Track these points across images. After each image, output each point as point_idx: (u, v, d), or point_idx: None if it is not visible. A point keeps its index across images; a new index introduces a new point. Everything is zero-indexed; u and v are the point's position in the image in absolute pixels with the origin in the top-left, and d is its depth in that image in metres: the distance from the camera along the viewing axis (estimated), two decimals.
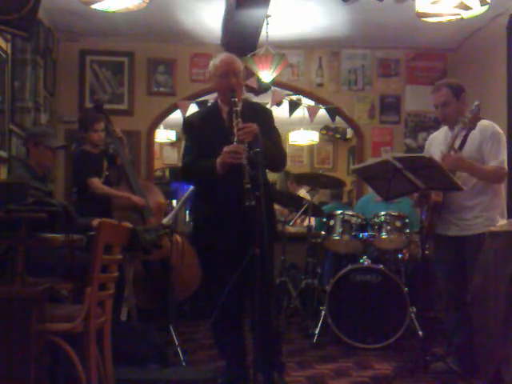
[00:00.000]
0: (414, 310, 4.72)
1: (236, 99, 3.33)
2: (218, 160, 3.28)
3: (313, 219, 5.64)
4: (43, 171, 4.17)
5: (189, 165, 3.51)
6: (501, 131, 3.77)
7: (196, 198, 3.71)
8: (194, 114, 3.80)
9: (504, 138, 3.76)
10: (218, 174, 3.30)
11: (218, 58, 3.49)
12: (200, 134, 3.48)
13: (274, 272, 3.66)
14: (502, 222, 3.67)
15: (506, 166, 3.70)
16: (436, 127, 4.23)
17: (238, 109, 3.30)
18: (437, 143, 3.93)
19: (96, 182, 4.75)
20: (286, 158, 3.65)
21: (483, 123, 3.64)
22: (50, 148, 4.09)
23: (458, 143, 3.62)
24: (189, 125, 3.60)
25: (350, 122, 7.10)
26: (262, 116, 3.55)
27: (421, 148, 4.24)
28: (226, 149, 3.24)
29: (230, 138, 3.25)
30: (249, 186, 3.03)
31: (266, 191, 3.34)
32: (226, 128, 3.36)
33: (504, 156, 3.69)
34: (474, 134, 3.60)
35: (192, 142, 3.55)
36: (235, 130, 3.23)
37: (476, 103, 3.53)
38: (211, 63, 3.51)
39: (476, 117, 3.51)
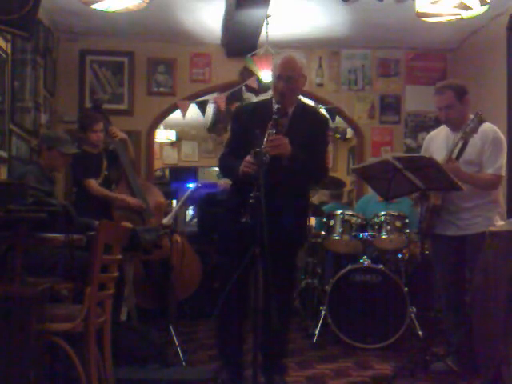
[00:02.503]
0: (414, 310, 4.73)
1: (279, 106, 3.25)
2: (241, 166, 3.24)
3: (313, 219, 5.64)
4: (52, 173, 4.21)
5: (223, 157, 3.52)
6: (502, 137, 3.76)
7: (208, 196, 3.71)
8: (246, 105, 3.76)
9: (504, 144, 3.76)
10: (239, 178, 3.27)
11: (279, 58, 3.42)
12: (246, 127, 3.38)
13: (290, 276, 3.62)
14: (500, 223, 3.68)
15: (502, 172, 3.72)
16: (436, 127, 4.22)
17: (276, 117, 3.22)
18: (437, 143, 3.92)
19: (92, 183, 4.75)
20: (325, 171, 3.56)
21: (485, 127, 3.62)
22: (62, 154, 4.12)
23: (459, 146, 3.61)
24: (238, 115, 3.59)
25: (349, 122, 7.10)
26: (312, 123, 3.47)
27: (421, 148, 4.24)
28: (247, 158, 3.20)
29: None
30: (252, 201, 2.94)
31: (301, 200, 3.37)
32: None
33: (502, 162, 3.70)
34: (475, 139, 3.60)
35: (236, 133, 3.53)
36: (264, 140, 3.16)
37: (478, 114, 3.51)
38: (275, 60, 3.46)
39: (476, 127, 3.50)
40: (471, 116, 3.74)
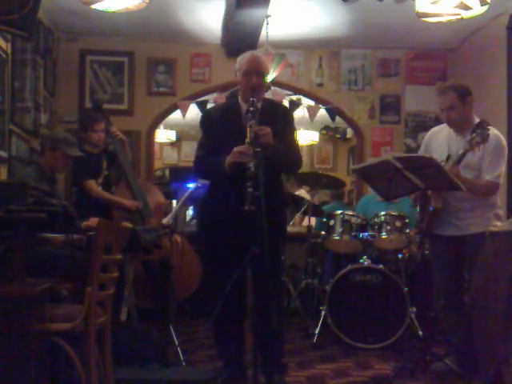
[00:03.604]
0: (414, 310, 4.72)
1: (254, 99, 3.33)
2: (228, 158, 3.29)
3: (313, 219, 5.64)
4: (52, 174, 4.17)
5: (201, 159, 3.53)
6: (504, 144, 3.75)
7: (203, 196, 3.72)
8: (213, 107, 3.82)
9: (505, 152, 3.76)
10: (226, 173, 3.31)
11: (246, 56, 3.50)
12: (217, 129, 3.48)
13: (281, 272, 3.68)
14: (498, 223, 3.68)
15: (499, 180, 3.71)
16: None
17: (253, 109, 3.29)
18: (438, 141, 3.90)
19: (92, 185, 4.75)
20: (300, 160, 3.65)
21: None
22: (65, 155, 4.09)
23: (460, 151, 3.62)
24: (207, 118, 3.62)
25: (350, 121, 7.10)
26: (281, 116, 3.57)
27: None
28: (235, 149, 3.25)
29: (244, 138, 3.25)
30: (251, 190, 3.03)
31: (278, 193, 3.36)
32: (244, 126, 3.35)
33: (501, 170, 3.71)
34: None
35: (207, 136, 3.56)
36: (248, 131, 3.23)
37: (484, 126, 3.50)
38: (238, 59, 3.53)
39: (485, 139, 3.50)
40: (476, 118, 3.73)
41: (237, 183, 3.20)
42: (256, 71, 3.42)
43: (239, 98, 3.56)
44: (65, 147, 4.05)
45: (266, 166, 3.15)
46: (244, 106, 3.46)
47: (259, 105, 3.44)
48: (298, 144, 3.67)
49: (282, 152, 3.36)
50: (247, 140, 3.22)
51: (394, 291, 4.72)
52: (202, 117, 3.64)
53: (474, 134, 3.52)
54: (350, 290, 4.80)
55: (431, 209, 3.70)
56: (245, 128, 3.30)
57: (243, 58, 3.48)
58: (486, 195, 3.73)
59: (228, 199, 3.36)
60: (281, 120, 3.50)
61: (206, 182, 3.80)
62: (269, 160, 3.25)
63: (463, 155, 3.56)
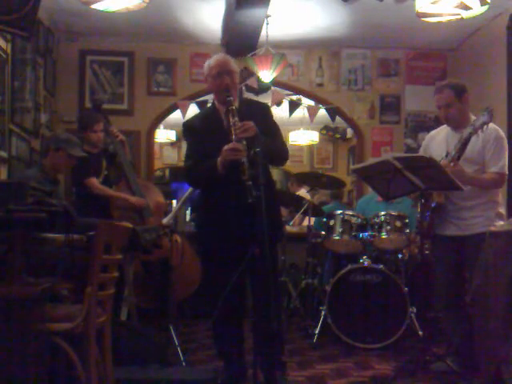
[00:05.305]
0: (414, 310, 4.73)
1: (231, 98, 3.37)
2: (219, 159, 3.30)
3: (313, 219, 5.64)
4: (55, 174, 4.21)
5: (191, 168, 3.54)
6: (503, 136, 3.77)
7: (198, 197, 3.73)
8: (192, 117, 3.81)
9: (506, 143, 3.77)
10: (219, 174, 3.32)
11: (212, 59, 3.54)
12: (201, 136, 3.51)
13: (278, 271, 3.70)
14: (499, 223, 3.68)
15: (506, 170, 3.72)
16: (436, 127, 4.23)
17: (234, 107, 3.34)
18: (437, 142, 3.92)
19: (94, 182, 4.75)
20: (287, 151, 3.65)
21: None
22: (69, 156, 4.13)
23: (460, 145, 3.62)
24: (189, 128, 3.63)
25: (349, 122, 7.11)
26: (260, 112, 3.59)
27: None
28: (225, 147, 3.27)
29: (229, 137, 3.28)
30: (250, 183, 3.06)
31: (270, 191, 3.37)
32: (226, 128, 3.39)
33: (505, 161, 3.70)
34: (477, 137, 3.60)
35: (193, 144, 3.59)
36: (232, 129, 3.27)
37: (488, 110, 3.51)
38: (205, 65, 3.56)
39: (489, 120, 3.50)
40: (472, 116, 3.75)
41: (232, 180, 3.22)
42: (226, 71, 3.45)
43: (216, 102, 3.58)
44: (69, 148, 4.10)
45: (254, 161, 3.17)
46: (221, 109, 3.49)
47: (236, 103, 3.47)
48: (281, 136, 3.67)
49: (267, 144, 3.34)
50: (233, 137, 3.25)
51: (394, 291, 4.73)
52: (184, 128, 3.66)
53: (474, 120, 3.54)
54: (350, 290, 4.80)
55: (434, 205, 3.71)
56: (227, 129, 3.34)
57: (210, 62, 3.52)
58: (494, 187, 3.73)
59: (225, 196, 3.37)
60: (260, 116, 3.51)
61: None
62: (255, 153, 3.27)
63: (467, 140, 3.55)
